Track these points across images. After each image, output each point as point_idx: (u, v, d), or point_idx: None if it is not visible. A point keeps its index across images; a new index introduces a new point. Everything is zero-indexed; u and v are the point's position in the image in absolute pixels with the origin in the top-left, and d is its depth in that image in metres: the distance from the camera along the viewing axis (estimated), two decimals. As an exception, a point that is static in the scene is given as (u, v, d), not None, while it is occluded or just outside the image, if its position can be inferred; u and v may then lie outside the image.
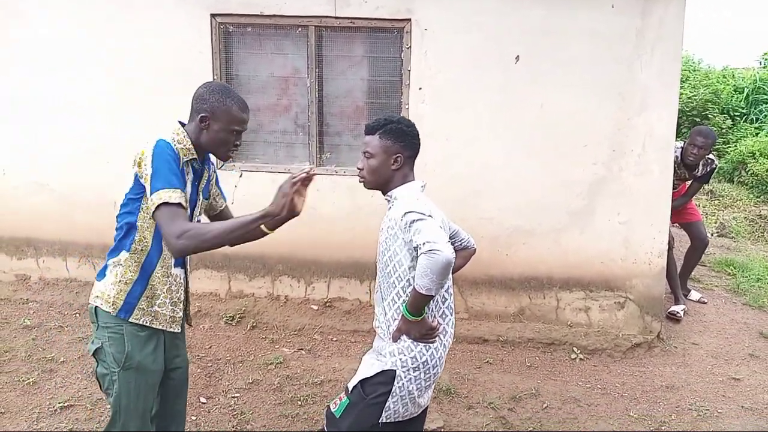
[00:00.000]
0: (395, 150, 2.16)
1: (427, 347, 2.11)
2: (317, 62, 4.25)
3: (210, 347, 3.99)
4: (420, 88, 4.15)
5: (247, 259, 4.50)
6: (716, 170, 5.08)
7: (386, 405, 2.10)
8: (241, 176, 4.38)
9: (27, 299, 4.52)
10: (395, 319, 2.12)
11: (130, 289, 2.10)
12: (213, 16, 4.21)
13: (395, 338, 2.11)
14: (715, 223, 7.64)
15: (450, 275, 2.20)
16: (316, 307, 4.42)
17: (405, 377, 2.10)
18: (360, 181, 2.24)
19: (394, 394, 2.10)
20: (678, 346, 4.26)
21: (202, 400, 3.39)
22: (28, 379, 3.50)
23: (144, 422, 2.18)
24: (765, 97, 11.26)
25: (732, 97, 11.30)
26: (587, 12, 3.94)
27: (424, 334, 2.09)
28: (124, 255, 2.09)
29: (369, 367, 2.16)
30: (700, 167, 4.68)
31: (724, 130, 10.45)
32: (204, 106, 2.10)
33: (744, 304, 5.05)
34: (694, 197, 5.02)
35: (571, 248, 4.23)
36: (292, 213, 1.91)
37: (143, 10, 4.26)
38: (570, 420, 3.38)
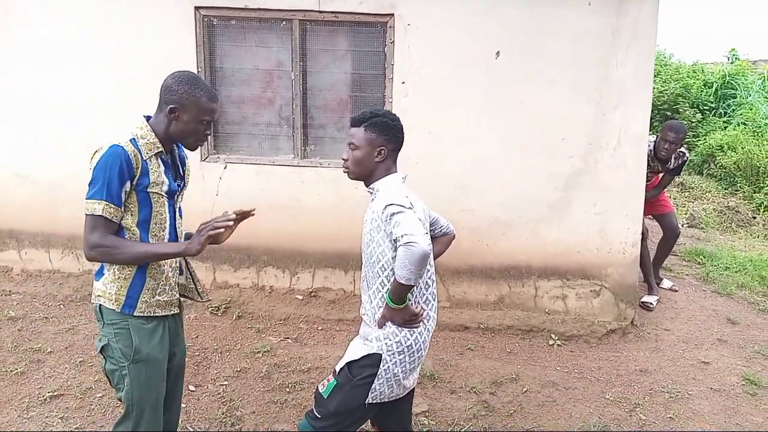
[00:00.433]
0: (379, 143, 2.24)
1: (411, 332, 2.21)
2: (301, 55, 4.30)
3: (197, 337, 4.04)
4: (403, 82, 4.23)
5: (232, 250, 4.54)
6: (687, 162, 5.25)
7: (372, 386, 2.19)
8: (225, 168, 4.42)
9: (10, 291, 4.51)
10: (380, 306, 2.21)
11: (131, 284, 2.13)
12: (197, 8, 4.23)
13: (380, 325, 2.20)
14: (686, 214, 7.89)
15: (433, 263, 2.31)
16: (301, 297, 4.49)
17: (390, 360, 2.19)
18: (344, 172, 2.32)
19: (380, 376, 2.19)
20: (651, 332, 4.44)
21: (191, 388, 3.45)
22: (16, 369, 3.51)
23: (157, 411, 2.23)
24: (733, 91, 11.58)
25: (701, 91, 11.59)
26: (566, 10, 4.06)
27: (408, 320, 2.18)
28: None
29: (356, 350, 2.25)
30: (673, 160, 4.85)
31: (693, 124, 10.73)
32: (173, 98, 2.12)
33: (713, 291, 5.25)
34: (666, 189, 5.20)
35: (549, 239, 4.36)
36: (198, 250, 2.08)
37: (129, 3, 4.26)
38: (549, 403, 3.52)
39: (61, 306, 4.36)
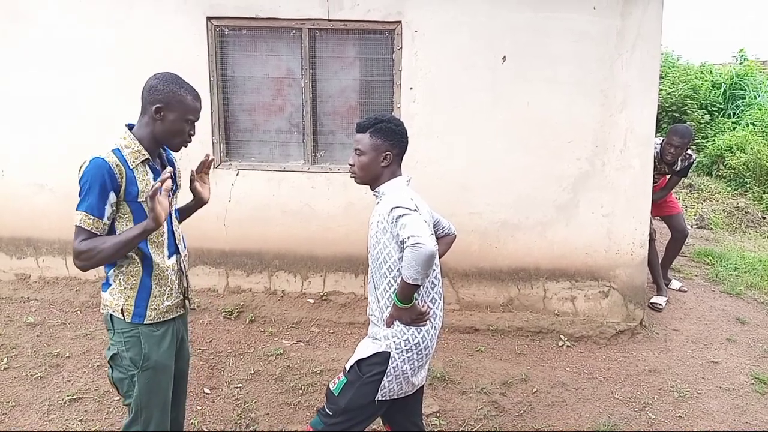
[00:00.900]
0: (385, 148, 2.30)
1: (419, 330, 2.27)
2: (311, 63, 4.38)
3: (211, 341, 4.11)
4: (411, 88, 4.30)
5: (244, 256, 4.62)
6: (694, 164, 5.28)
7: (381, 384, 2.25)
8: (237, 175, 4.50)
9: (28, 297, 4.61)
10: (387, 306, 2.27)
11: (137, 294, 2.16)
12: (209, 19, 4.33)
13: (389, 324, 2.27)
14: (695, 215, 7.89)
15: (438, 263, 2.37)
16: (312, 301, 4.56)
17: (399, 358, 2.25)
18: (351, 177, 2.39)
19: (389, 373, 2.25)
20: (660, 333, 4.46)
21: (206, 390, 3.52)
22: (36, 373, 3.60)
23: (165, 413, 2.28)
24: (742, 92, 11.56)
25: (710, 92, 11.58)
26: (570, 13, 4.11)
27: (415, 319, 2.24)
28: (124, 262, 2.15)
29: (365, 348, 2.32)
30: (679, 162, 4.87)
31: (702, 125, 10.72)
32: (158, 97, 2.12)
33: (722, 292, 5.26)
34: (673, 190, 5.22)
35: (556, 240, 4.41)
36: (160, 222, 2.04)
37: (143, 14, 4.36)
38: (558, 403, 3.56)
39: (78, 312, 4.45)
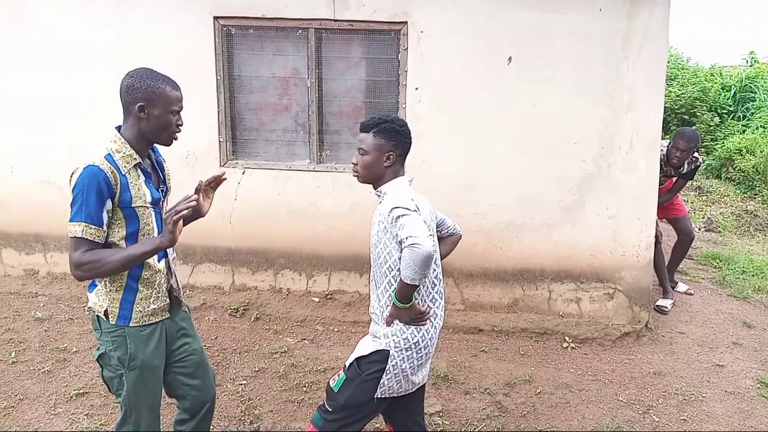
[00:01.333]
0: (388, 148, 2.31)
1: (418, 329, 2.28)
2: (317, 63, 4.40)
3: (216, 338, 4.14)
4: (416, 88, 4.31)
5: (249, 254, 4.65)
6: (700, 167, 5.25)
7: (381, 381, 2.27)
8: (243, 173, 4.53)
9: (36, 293, 4.66)
10: (388, 305, 2.28)
11: (122, 297, 2.16)
12: (216, 18, 4.36)
13: (389, 323, 2.28)
14: (703, 218, 7.85)
15: (439, 263, 2.38)
16: (317, 300, 4.58)
17: (398, 356, 2.27)
18: (354, 176, 2.40)
19: (388, 371, 2.27)
20: (665, 335, 4.45)
21: (211, 387, 3.54)
22: (43, 368, 3.65)
23: (154, 415, 2.29)
24: (752, 94, 11.48)
25: (719, 95, 11.51)
26: (576, 15, 4.11)
27: (415, 318, 2.25)
28: None
29: (365, 346, 2.34)
30: (686, 165, 4.85)
31: (712, 128, 10.66)
32: (138, 96, 2.10)
33: (729, 295, 5.24)
34: (680, 193, 5.20)
35: (562, 241, 4.40)
36: (172, 240, 2.08)
37: (149, 13, 4.40)
38: (562, 404, 3.56)
39: (86, 308, 4.46)
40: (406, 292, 2.17)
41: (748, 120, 11.02)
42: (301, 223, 4.56)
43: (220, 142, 4.51)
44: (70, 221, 2.04)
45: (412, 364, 2.29)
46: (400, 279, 2.14)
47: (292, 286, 4.65)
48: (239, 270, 4.68)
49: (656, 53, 4.12)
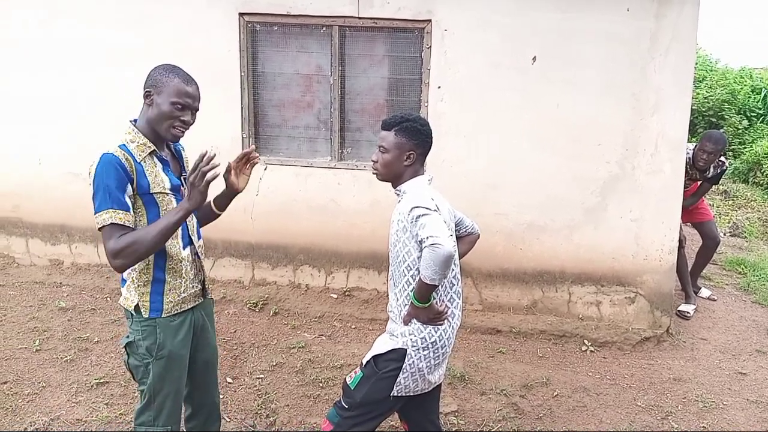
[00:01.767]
0: (408, 147, 2.30)
1: (436, 329, 2.28)
2: (340, 60, 4.41)
3: (235, 331, 4.18)
4: (439, 87, 4.29)
5: (270, 249, 4.68)
6: (726, 171, 5.16)
7: (397, 380, 2.27)
8: (266, 169, 4.56)
9: (60, 283, 4.75)
10: (406, 304, 2.28)
11: (152, 289, 2.17)
12: (241, 15, 4.39)
13: (406, 322, 2.28)
14: (728, 222, 7.71)
15: (458, 262, 2.37)
16: (335, 296, 4.59)
17: (415, 355, 2.26)
18: (373, 173, 2.40)
19: (404, 370, 2.26)
20: (687, 341, 4.38)
21: (229, 380, 3.58)
22: (66, 356, 3.72)
23: (177, 403, 2.31)
24: (783, 98, 11.27)
25: (749, 97, 11.30)
26: (602, 14, 4.06)
27: (432, 318, 2.25)
28: None
29: (382, 344, 2.33)
30: (711, 169, 4.77)
31: (740, 131, 10.48)
32: (148, 82, 2.13)
33: (753, 302, 5.14)
34: (706, 197, 5.12)
35: (583, 244, 4.36)
36: (203, 201, 2.04)
37: (178, 9, 4.45)
38: (579, 408, 3.52)
39: (108, 298, 4.56)
40: (424, 292, 2.16)
41: (778, 124, 10.80)
42: (321, 219, 4.58)
43: (243, 137, 4.55)
44: (96, 213, 2.01)
45: (429, 364, 2.29)
46: (419, 279, 2.13)
47: (311, 282, 4.68)
48: (259, 265, 4.72)
49: (684, 54, 4.05)
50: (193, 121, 2.19)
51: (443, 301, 2.30)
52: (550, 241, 4.38)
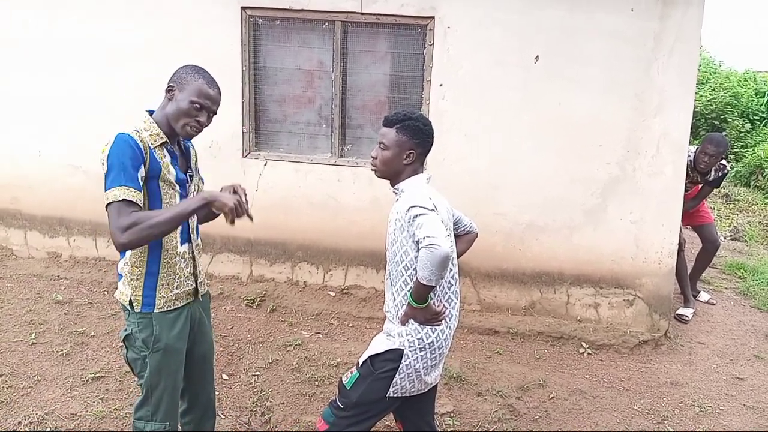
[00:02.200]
0: (409, 146, 2.28)
1: (433, 329, 2.26)
2: (342, 56, 4.38)
3: (232, 328, 4.16)
4: (441, 85, 4.27)
5: (268, 245, 4.66)
6: (727, 175, 5.14)
7: (393, 380, 2.25)
8: (265, 165, 4.54)
9: (58, 276, 4.74)
10: (403, 304, 2.26)
11: (144, 284, 2.17)
12: (243, 8, 4.36)
13: (403, 323, 2.26)
14: (729, 226, 7.69)
15: (456, 263, 2.35)
16: (333, 294, 4.58)
17: (412, 356, 2.25)
18: (372, 169, 2.38)
19: (401, 370, 2.25)
20: (684, 345, 4.37)
21: (225, 377, 3.57)
22: (62, 350, 3.70)
23: (174, 397, 2.31)
24: (787, 101, 11.23)
25: (752, 100, 11.25)
26: (606, 14, 4.03)
27: (430, 318, 2.23)
28: (128, 253, 2.16)
29: (379, 344, 2.31)
30: (712, 172, 4.75)
31: (742, 134, 10.44)
32: (173, 78, 2.18)
33: (752, 306, 5.13)
34: (706, 200, 5.10)
35: (582, 245, 4.34)
36: (224, 206, 2.07)
37: (177, 3, 4.43)
38: (575, 410, 3.51)
39: (105, 292, 4.55)
40: (422, 293, 2.14)
41: (781, 127, 10.77)
42: (320, 216, 4.56)
43: (243, 133, 4.53)
44: (107, 189, 1.99)
45: (425, 364, 2.28)
46: (416, 279, 2.12)
47: (308, 279, 4.66)
48: (257, 261, 4.70)
49: (688, 54, 4.03)
50: (208, 124, 2.22)
51: (441, 301, 2.29)
52: (550, 241, 4.36)
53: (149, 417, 2.26)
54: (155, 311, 2.19)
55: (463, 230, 2.55)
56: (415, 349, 2.25)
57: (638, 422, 3.43)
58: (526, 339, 4.29)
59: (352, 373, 2.32)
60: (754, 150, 9.91)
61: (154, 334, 2.18)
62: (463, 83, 4.24)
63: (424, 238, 2.05)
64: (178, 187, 2.22)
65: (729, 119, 10.59)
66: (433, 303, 2.24)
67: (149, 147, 2.11)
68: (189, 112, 2.14)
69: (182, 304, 2.28)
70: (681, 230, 4.53)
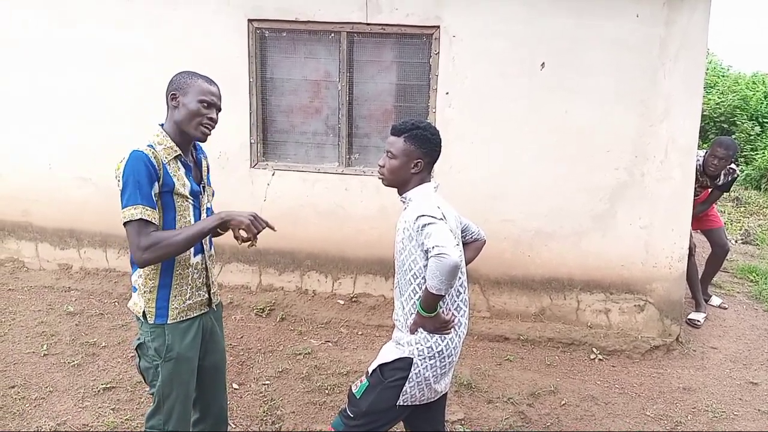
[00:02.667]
0: (417, 155, 2.29)
1: (443, 338, 2.26)
2: (348, 66, 4.41)
3: (242, 337, 4.18)
4: (447, 93, 4.28)
5: (277, 254, 4.68)
6: (737, 179, 5.12)
7: (403, 389, 2.25)
8: (273, 175, 4.57)
9: (69, 287, 4.78)
10: (412, 313, 2.26)
11: (157, 296, 2.20)
12: (250, 21, 4.40)
13: (412, 331, 2.26)
14: (740, 230, 7.63)
15: (465, 270, 2.35)
16: (342, 302, 4.58)
17: (421, 365, 2.25)
18: (379, 178, 2.39)
19: (411, 379, 2.25)
20: (697, 350, 4.33)
21: (235, 386, 3.58)
22: (73, 361, 3.73)
23: (186, 406, 2.32)
24: (796, 104, 11.16)
25: (761, 103, 11.19)
26: (611, 21, 4.03)
27: (439, 327, 2.23)
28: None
29: (388, 353, 2.31)
30: (722, 176, 4.73)
31: (752, 137, 10.39)
32: (172, 86, 2.22)
33: (765, 310, 5.08)
34: (717, 204, 5.07)
35: (592, 251, 4.32)
36: (240, 225, 2.17)
37: (189, 14, 4.48)
38: (587, 417, 3.49)
39: (116, 303, 4.58)
40: (431, 302, 2.14)
41: (791, 130, 10.70)
42: (328, 225, 4.58)
43: (251, 143, 4.56)
44: (124, 207, 2.06)
45: (435, 373, 2.27)
46: (426, 288, 2.12)
47: (317, 288, 4.67)
48: (266, 270, 4.72)
49: (694, 60, 4.02)
50: (217, 120, 2.26)
51: (450, 309, 2.29)
52: (559, 248, 4.35)
53: (161, 426, 2.27)
54: (168, 322, 2.21)
55: (471, 238, 2.55)
56: (425, 358, 2.25)
57: (651, 428, 3.40)
58: (536, 345, 4.28)
59: (361, 382, 2.32)
60: (764, 153, 9.86)
61: (167, 343, 2.20)
62: (468, 92, 4.25)
63: (433, 247, 2.05)
64: (191, 199, 2.25)
65: (738, 122, 10.54)
66: (443, 311, 2.24)
67: (163, 162, 2.14)
68: (199, 111, 2.19)
69: (195, 314, 2.30)
70: (691, 235, 4.50)
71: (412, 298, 2.25)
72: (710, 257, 5.14)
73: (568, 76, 4.14)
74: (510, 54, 4.18)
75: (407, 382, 2.24)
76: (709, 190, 4.88)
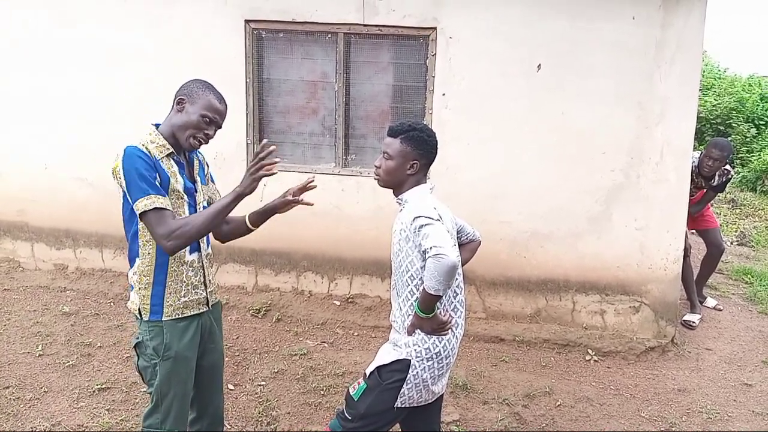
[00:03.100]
0: (413, 156, 2.29)
1: (440, 339, 2.26)
2: (345, 67, 4.41)
3: (237, 338, 4.18)
4: (444, 94, 4.29)
5: (273, 255, 4.68)
6: (732, 180, 5.14)
7: (401, 391, 2.25)
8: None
9: (65, 287, 4.77)
10: (409, 314, 2.26)
11: (152, 292, 2.21)
12: (247, 22, 4.40)
13: (410, 333, 2.26)
14: (735, 231, 7.65)
15: (461, 271, 2.35)
16: (338, 303, 4.59)
17: (419, 366, 2.25)
18: (375, 179, 2.39)
19: (408, 381, 2.25)
20: (691, 351, 4.34)
21: (230, 387, 3.57)
22: (68, 362, 3.72)
23: (184, 406, 2.32)
24: (791, 106, 11.19)
25: (757, 105, 11.22)
26: (608, 23, 4.04)
27: (436, 328, 2.23)
28: (137, 262, 2.21)
29: (386, 354, 2.31)
30: (717, 177, 4.75)
31: (748, 139, 10.42)
32: (184, 91, 2.23)
33: (760, 312, 5.09)
34: (712, 205, 5.08)
35: (587, 252, 4.33)
36: (254, 188, 2.20)
37: (187, 14, 4.47)
38: (582, 418, 3.50)
39: (112, 303, 4.57)
40: (429, 303, 2.15)
41: (787, 132, 10.73)
42: (324, 226, 4.58)
43: (247, 143, 4.56)
44: (135, 201, 2.07)
45: (432, 374, 2.28)
46: (423, 289, 2.12)
47: (314, 289, 4.67)
48: (262, 271, 4.72)
49: (690, 62, 4.04)
50: (213, 137, 2.28)
51: (447, 310, 2.29)
52: (555, 249, 4.36)
53: (158, 425, 2.27)
54: (164, 319, 2.22)
55: (466, 239, 2.56)
56: (423, 359, 2.25)
57: (646, 429, 3.41)
58: (531, 347, 4.28)
59: (359, 384, 2.32)
60: (760, 155, 9.88)
61: (165, 342, 2.21)
62: (465, 93, 4.26)
63: (431, 248, 2.06)
64: (186, 197, 2.25)
65: (734, 124, 10.58)
66: (440, 312, 2.24)
67: (155, 158, 2.16)
68: (198, 124, 2.20)
69: (192, 313, 2.30)
70: (687, 236, 4.52)
71: (409, 300, 2.26)
72: (705, 257, 5.16)
73: (565, 77, 4.15)
74: (507, 55, 4.18)
75: (405, 384, 2.25)
76: (704, 190, 4.90)
